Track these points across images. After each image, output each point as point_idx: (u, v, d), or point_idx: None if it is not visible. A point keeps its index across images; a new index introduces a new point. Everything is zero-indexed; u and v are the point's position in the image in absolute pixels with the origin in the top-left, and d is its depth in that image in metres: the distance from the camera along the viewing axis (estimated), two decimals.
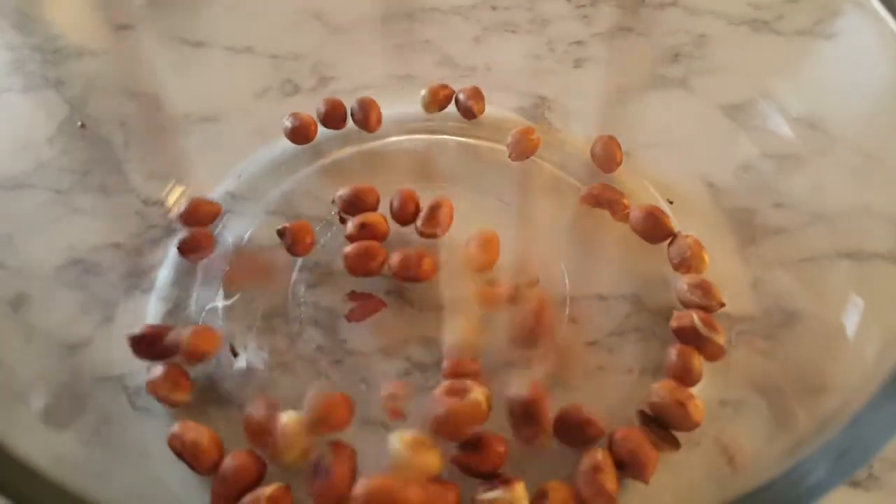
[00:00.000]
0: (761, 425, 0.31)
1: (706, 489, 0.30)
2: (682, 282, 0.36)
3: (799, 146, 0.38)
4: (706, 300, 0.36)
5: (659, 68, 0.44)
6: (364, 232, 0.38)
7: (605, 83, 0.45)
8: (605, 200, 0.40)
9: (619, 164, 0.41)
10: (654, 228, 0.38)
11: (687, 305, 0.36)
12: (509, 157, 0.42)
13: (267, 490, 0.30)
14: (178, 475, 0.31)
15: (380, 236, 0.38)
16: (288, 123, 0.43)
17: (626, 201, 0.39)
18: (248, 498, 0.30)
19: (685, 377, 0.33)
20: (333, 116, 0.43)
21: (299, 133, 0.43)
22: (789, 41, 0.41)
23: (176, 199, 0.41)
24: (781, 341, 0.35)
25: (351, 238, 0.38)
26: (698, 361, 0.34)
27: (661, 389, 0.32)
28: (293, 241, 0.38)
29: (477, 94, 0.44)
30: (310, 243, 0.38)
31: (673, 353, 0.34)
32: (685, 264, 0.37)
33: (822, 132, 0.38)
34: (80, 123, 0.41)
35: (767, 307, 0.36)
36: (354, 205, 0.39)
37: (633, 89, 0.44)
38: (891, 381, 0.25)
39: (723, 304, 0.36)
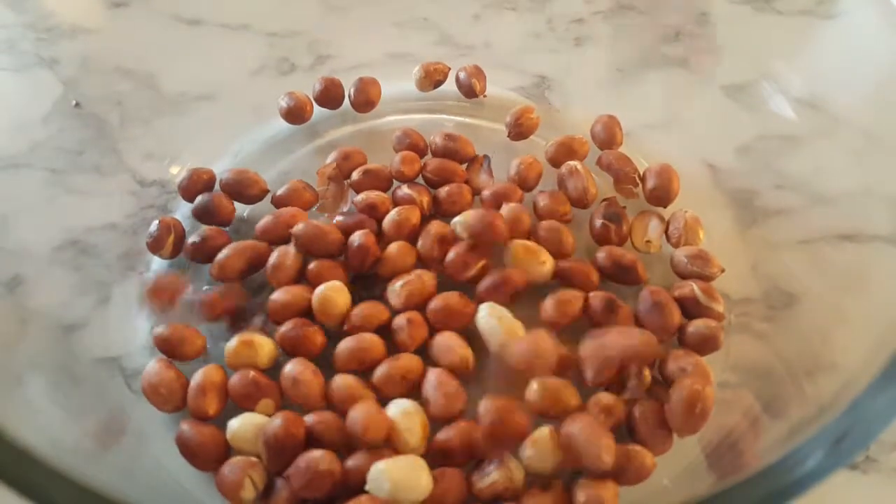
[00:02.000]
0: (761, 408, 0.31)
1: (705, 472, 0.30)
2: (680, 254, 0.36)
3: (800, 127, 0.38)
4: (706, 269, 0.36)
5: (660, 47, 0.43)
6: (367, 178, 0.39)
7: (605, 62, 0.44)
8: (615, 169, 0.40)
9: (619, 144, 0.41)
10: (664, 190, 0.38)
11: (685, 277, 0.36)
12: (508, 136, 0.42)
13: None
14: (175, 456, 0.31)
15: (383, 185, 0.39)
16: (283, 103, 0.42)
17: (635, 176, 0.39)
18: None
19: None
20: (330, 96, 0.43)
21: (295, 113, 0.42)
22: (791, 21, 0.41)
23: (178, 172, 0.41)
24: (781, 324, 0.35)
25: (355, 186, 0.39)
26: None
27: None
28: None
29: (478, 72, 0.44)
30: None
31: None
32: (680, 239, 0.37)
33: (824, 113, 0.38)
34: (74, 103, 0.40)
35: (767, 289, 0.36)
36: (344, 161, 0.40)
37: (634, 68, 0.44)
38: (891, 365, 0.25)
39: (723, 270, 0.36)
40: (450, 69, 0.44)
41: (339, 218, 0.37)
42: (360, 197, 0.38)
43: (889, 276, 0.31)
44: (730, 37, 0.42)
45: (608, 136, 0.41)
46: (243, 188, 0.39)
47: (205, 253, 0.37)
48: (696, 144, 0.40)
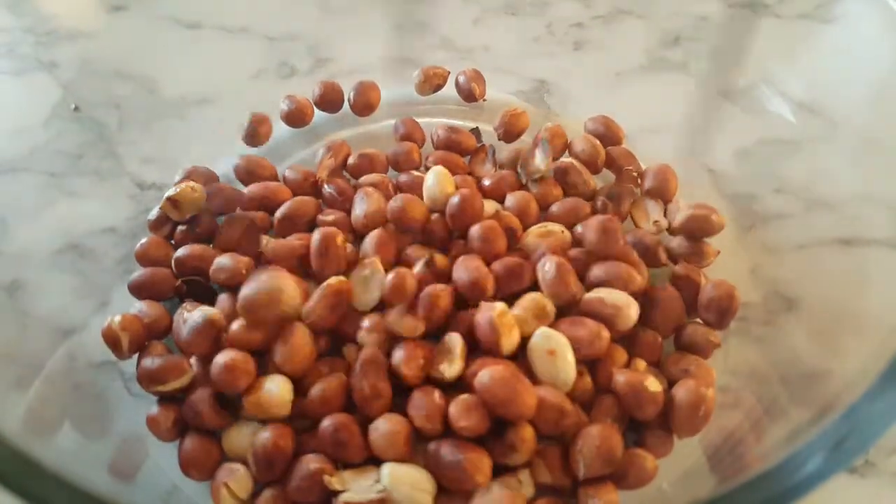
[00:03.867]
0: (760, 412, 0.31)
1: (705, 475, 0.30)
2: (675, 246, 0.37)
3: (799, 131, 0.38)
4: (702, 264, 0.36)
5: (659, 51, 0.43)
6: (364, 161, 0.40)
7: (604, 66, 0.45)
8: (617, 166, 0.40)
9: (621, 140, 0.41)
10: (662, 190, 0.39)
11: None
12: (498, 137, 0.42)
13: None
14: (174, 460, 0.31)
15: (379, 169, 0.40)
16: (284, 106, 0.43)
17: (635, 174, 0.39)
18: None
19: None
20: (330, 99, 0.43)
21: (295, 116, 0.42)
22: (790, 25, 0.41)
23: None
24: (780, 328, 0.35)
25: (352, 170, 0.40)
26: None
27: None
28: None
29: (478, 77, 0.44)
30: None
31: None
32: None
33: (823, 117, 0.38)
34: (73, 106, 0.40)
35: (766, 294, 0.36)
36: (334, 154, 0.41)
37: (633, 73, 0.44)
38: (890, 369, 0.25)
39: (718, 252, 0.36)
40: (449, 73, 0.44)
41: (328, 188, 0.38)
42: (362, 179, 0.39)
43: (888, 279, 0.31)
44: (728, 41, 0.42)
45: (611, 133, 0.41)
46: (255, 172, 0.40)
47: (194, 238, 0.37)
48: (695, 148, 0.40)
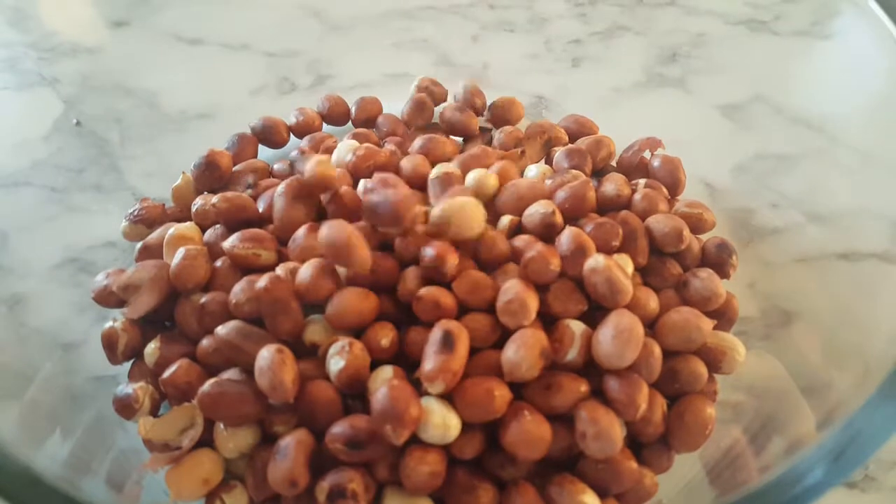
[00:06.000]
0: (759, 425, 0.31)
1: (705, 489, 0.30)
2: None
3: (796, 146, 0.39)
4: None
5: (657, 68, 0.44)
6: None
7: (602, 82, 0.45)
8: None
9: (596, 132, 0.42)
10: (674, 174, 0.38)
11: None
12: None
13: None
14: None
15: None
16: (293, 118, 0.43)
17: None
18: None
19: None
20: (336, 113, 0.43)
21: (304, 128, 0.43)
22: (787, 41, 0.41)
23: None
24: (779, 341, 0.35)
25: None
26: None
27: None
28: None
29: (477, 93, 0.44)
30: None
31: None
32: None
33: (819, 132, 0.38)
34: (75, 121, 0.41)
35: (765, 308, 0.36)
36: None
37: (631, 89, 0.44)
38: (888, 382, 0.25)
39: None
40: (447, 91, 0.44)
41: None
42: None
43: (885, 293, 0.32)
44: (726, 57, 0.42)
45: (584, 129, 0.41)
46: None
47: None
48: (692, 164, 0.40)
